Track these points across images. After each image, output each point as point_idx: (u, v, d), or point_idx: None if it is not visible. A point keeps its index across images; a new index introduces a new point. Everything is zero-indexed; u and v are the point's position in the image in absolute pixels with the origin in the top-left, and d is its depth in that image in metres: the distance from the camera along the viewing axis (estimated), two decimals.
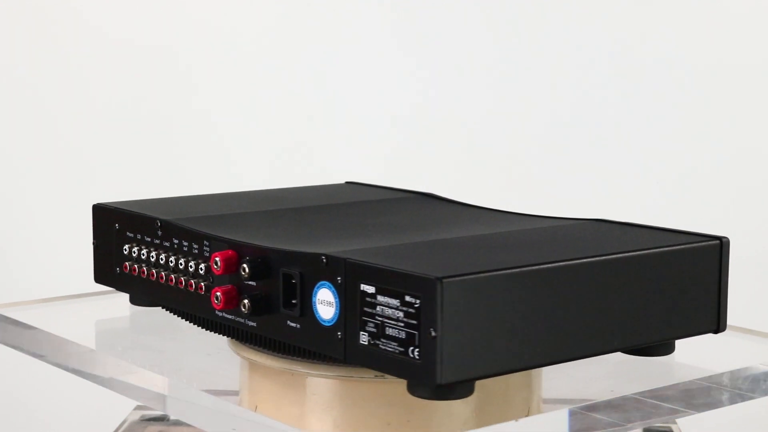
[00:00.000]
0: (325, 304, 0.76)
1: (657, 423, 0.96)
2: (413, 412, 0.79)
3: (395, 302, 0.71)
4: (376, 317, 0.72)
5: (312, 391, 0.80)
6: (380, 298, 0.72)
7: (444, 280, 0.69)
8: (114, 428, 0.97)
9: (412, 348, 0.71)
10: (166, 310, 0.90)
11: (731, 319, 0.85)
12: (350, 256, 0.75)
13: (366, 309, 0.73)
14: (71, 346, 0.91)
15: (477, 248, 0.80)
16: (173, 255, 0.87)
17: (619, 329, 0.78)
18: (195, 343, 0.92)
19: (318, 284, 0.76)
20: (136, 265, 0.91)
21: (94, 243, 0.95)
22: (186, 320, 0.88)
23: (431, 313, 0.69)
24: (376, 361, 0.73)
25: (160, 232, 0.88)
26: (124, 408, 0.80)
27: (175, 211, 0.92)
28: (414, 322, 0.70)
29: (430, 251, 0.78)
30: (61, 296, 1.03)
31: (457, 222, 0.91)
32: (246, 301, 0.80)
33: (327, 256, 0.75)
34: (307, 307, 0.77)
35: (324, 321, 0.76)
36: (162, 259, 0.88)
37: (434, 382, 0.70)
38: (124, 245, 0.92)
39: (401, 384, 0.75)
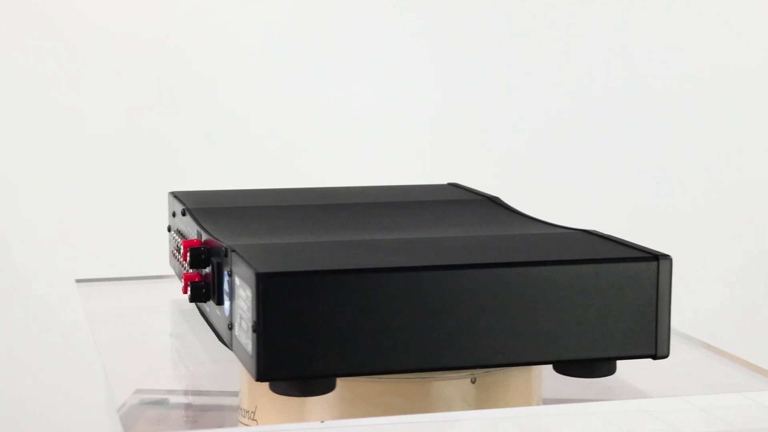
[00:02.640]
0: (226, 294, 0.79)
1: None
2: (414, 413, 0.79)
3: (246, 294, 0.73)
4: (240, 309, 0.75)
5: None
6: (240, 290, 0.74)
7: (265, 275, 0.70)
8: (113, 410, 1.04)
9: (246, 341, 0.72)
10: None
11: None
12: (243, 249, 0.77)
13: (237, 301, 0.75)
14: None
15: (374, 249, 0.79)
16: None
17: (506, 342, 0.74)
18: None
19: (224, 275, 0.79)
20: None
21: (168, 228, 1.03)
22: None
23: (256, 308, 0.70)
24: (238, 353, 0.75)
25: (183, 218, 0.94)
26: (124, 392, 0.86)
27: (225, 201, 0.98)
28: (249, 315, 0.72)
29: (324, 250, 0.78)
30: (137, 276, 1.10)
31: (454, 225, 0.90)
32: (189, 288, 0.85)
33: (227, 249, 0.79)
34: (221, 297, 0.80)
35: (226, 311, 0.79)
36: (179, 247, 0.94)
37: (256, 377, 0.71)
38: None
39: (401, 384, 0.76)
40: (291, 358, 0.71)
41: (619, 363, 0.78)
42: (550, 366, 0.78)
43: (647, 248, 0.78)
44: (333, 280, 0.71)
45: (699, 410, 0.79)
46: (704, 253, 1.80)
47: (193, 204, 0.95)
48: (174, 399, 0.87)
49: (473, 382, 0.80)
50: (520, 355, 0.75)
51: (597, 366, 0.77)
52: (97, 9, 1.69)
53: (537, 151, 1.77)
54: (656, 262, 0.76)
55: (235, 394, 0.85)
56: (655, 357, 0.77)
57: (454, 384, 0.80)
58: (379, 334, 0.72)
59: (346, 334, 0.71)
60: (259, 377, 0.71)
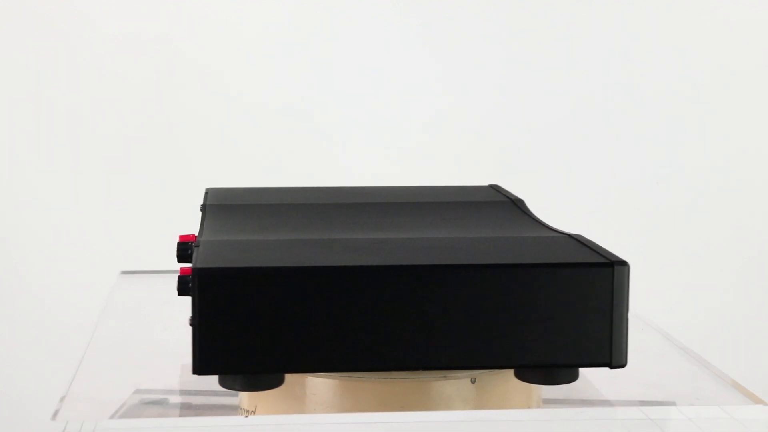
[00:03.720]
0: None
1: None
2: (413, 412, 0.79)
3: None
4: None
5: (312, 391, 0.81)
6: (191, 285, 0.76)
7: (201, 270, 0.71)
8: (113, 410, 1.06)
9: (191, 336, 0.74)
10: None
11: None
12: (206, 244, 0.78)
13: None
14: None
15: (339, 249, 0.79)
16: None
17: (454, 346, 0.73)
18: None
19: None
20: None
21: None
22: None
23: (193, 302, 0.72)
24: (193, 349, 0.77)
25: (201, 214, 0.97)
26: (123, 392, 0.88)
27: (251, 198, 1.00)
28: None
29: (286, 248, 0.79)
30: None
31: (453, 226, 0.89)
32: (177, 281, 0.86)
33: (191, 244, 0.80)
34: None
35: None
36: None
37: (193, 370, 0.73)
38: None
39: (401, 384, 0.78)
40: (227, 353, 0.72)
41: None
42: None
43: (610, 254, 0.76)
44: (268, 277, 0.72)
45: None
46: (705, 253, 1.76)
47: (216, 200, 0.98)
48: (173, 399, 0.89)
49: (473, 382, 0.80)
50: (465, 359, 0.74)
51: (558, 373, 0.76)
52: (103, 9, 1.73)
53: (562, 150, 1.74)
54: (611, 268, 0.74)
55: (234, 393, 0.86)
56: (611, 366, 0.75)
57: (453, 384, 0.80)
58: (315, 333, 0.72)
59: (282, 331, 0.72)
60: (195, 370, 0.72)
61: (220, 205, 0.96)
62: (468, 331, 0.73)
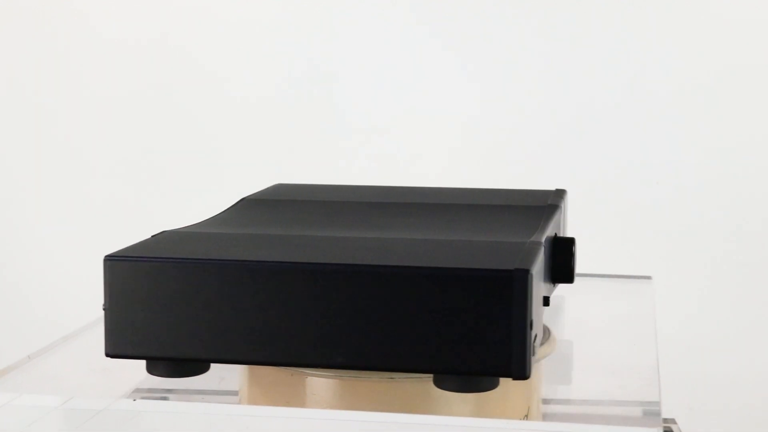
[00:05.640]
0: None
1: None
2: (413, 412, 0.80)
3: None
4: None
5: (312, 391, 0.82)
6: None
7: (109, 258, 0.76)
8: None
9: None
10: None
11: None
12: (168, 234, 0.82)
13: None
14: None
15: (286, 245, 0.80)
16: None
17: (345, 345, 0.73)
18: None
19: None
20: None
21: None
22: None
23: (103, 288, 0.76)
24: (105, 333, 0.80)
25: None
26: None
27: (304, 194, 1.02)
28: None
29: (233, 242, 0.81)
30: None
31: (452, 228, 0.88)
32: None
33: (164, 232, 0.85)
34: None
35: None
36: None
37: (105, 352, 0.77)
38: None
39: (401, 383, 0.80)
40: (134, 339, 0.76)
41: None
42: (550, 366, 0.78)
43: (526, 262, 0.73)
44: (164, 268, 0.75)
45: None
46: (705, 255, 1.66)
47: (265, 195, 1.01)
48: (173, 398, 0.91)
49: None
50: (357, 359, 0.74)
51: (477, 381, 0.74)
52: (102, 10, 1.76)
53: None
54: (509, 276, 0.71)
55: (234, 393, 0.89)
56: (511, 376, 0.72)
57: None
58: (214, 323, 0.74)
59: (180, 319, 0.75)
60: (107, 353, 0.76)
61: (271, 201, 0.99)
62: (358, 331, 0.73)
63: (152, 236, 0.82)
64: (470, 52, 1.77)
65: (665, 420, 1.01)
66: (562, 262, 0.91)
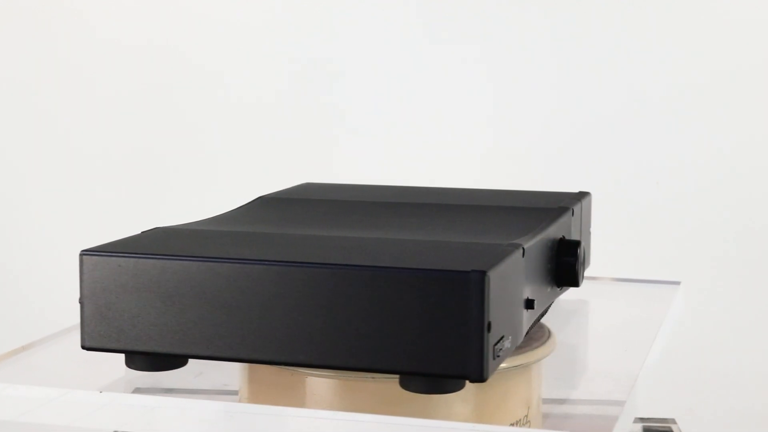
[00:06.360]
0: None
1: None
2: (413, 413, 0.80)
3: None
4: None
5: (312, 391, 0.83)
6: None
7: (83, 252, 0.77)
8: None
9: None
10: None
11: None
12: (160, 231, 0.84)
13: None
14: None
15: (266, 243, 0.81)
16: None
17: (309, 344, 0.74)
18: None
19: None
20: None
21: None
22: None
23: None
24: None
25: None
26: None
27: (326, 194, 1.03)
28: None
29: (213, 239, 0.82)
30: None
31: (450, 230, 0.88)
32: None
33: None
34: None
35: None
36: None
37: (80, 344, 0.78)
38: None
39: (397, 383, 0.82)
40: (109, 333, 0.77)
41: None
42: (549, 366, 0.78)
43: (486, 263, 0.73)
44: (138, 264, 0.76)
45: None
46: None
47: (282, 194, 1.02)
48: (172, 396, 0.92)
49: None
50: (317, 357, 0.74)
51: (443, 383, 0.74)
52: (102, 10, 1.74)
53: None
54: (467, 277, 0.71)
55: (234, 393, 0.90)
56: (468, 378, 0.71)
57: None
58: (185, 320, 0.75)
59: (158, 315, 0.76)
60: (82, 345, 0.78)
61: (273, 198, 0.99)
62: (318, 329, 0.73)
63: (142, 232, 0.84)
64: (484, 52, 1.76)
65: (665, 420, 0.99)
66: (566, 265, 0.90)
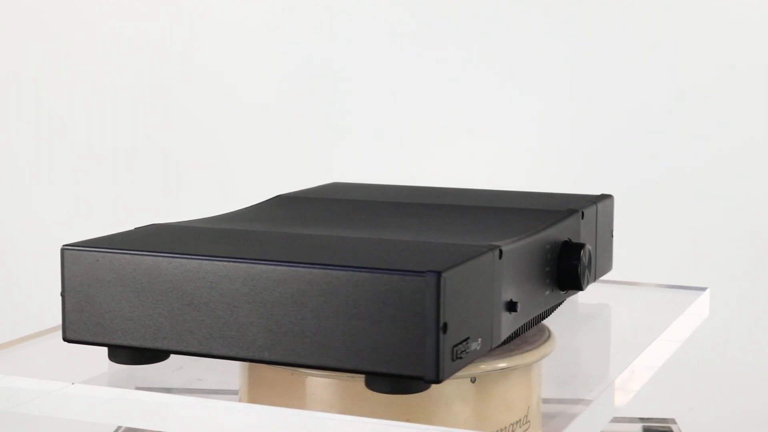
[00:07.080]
0: None
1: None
2: (413, 412, 0.81)
3: None
4: None
5: (312, 390, 0.83)
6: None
7: (65, 246, 0.79)
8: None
9: None
10: None
11: None
12: (157, 227, 0.86)
13: None
14: None
15: (253, 241, 0.82)
16: None
17: (263, 339, 0.75)
18: None
19: None
20: None
21: None
22: None
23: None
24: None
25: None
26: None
27: (351, 193, 1.03)
28: None
29: (203, 236, 0.83)
30: None
31: (448, 231, 0.88)
32: None
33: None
34: None
35: None
36: None
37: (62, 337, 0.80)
38: None
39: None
40: (90, 326, 0.79)
41: None
42: (549, 366, 0.78)
43: (444, 263, 0.72)
44: (117, 259, 0.78)
45: None
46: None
47: (301, 193, 1.02)
48: (171, 395, 0.93)
49: (473, 381, 0.81)
50: (283, 355, 0.75)
51: (407, 384, 0.74)
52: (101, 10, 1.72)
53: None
54: (423, 277, 0.70)
55: (234, 392, 0.90)
56: (423, 379, 0.71)
57: (453, 383, 0.80)
58: (163, 315, 0.77)
59: (137, 310, 0.77)
60: (64, 337, 0.80)
61: (288, 197, 1.00)
62: (278, 326, 0.74)
63: (135, 228, 0.85)
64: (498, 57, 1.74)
65: (665, 420, 0.97)
66: (568, 268, 0.89)
